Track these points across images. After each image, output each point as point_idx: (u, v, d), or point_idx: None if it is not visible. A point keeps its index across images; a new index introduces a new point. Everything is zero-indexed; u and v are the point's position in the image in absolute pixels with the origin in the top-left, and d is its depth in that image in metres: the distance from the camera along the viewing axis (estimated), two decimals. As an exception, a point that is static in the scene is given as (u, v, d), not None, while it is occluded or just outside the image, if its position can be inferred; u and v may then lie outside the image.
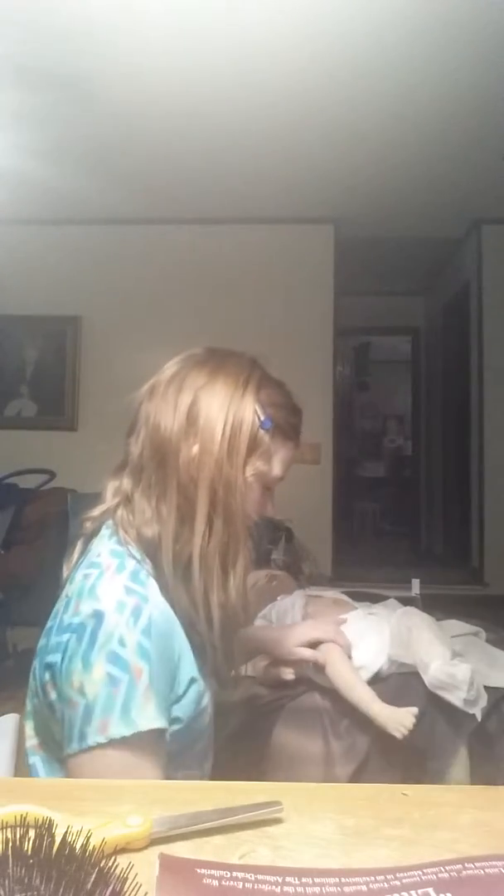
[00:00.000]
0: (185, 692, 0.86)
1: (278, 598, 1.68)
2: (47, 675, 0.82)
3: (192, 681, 0.87)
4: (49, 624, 0.87)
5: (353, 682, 1.20)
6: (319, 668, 1.27)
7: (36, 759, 0.87)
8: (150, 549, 0.88)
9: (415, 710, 1.13)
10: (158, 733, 0.80)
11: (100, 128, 3.44)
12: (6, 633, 3.07)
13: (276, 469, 0.96)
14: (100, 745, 0.76)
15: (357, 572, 4.46)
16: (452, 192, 4.17)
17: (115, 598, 0.81)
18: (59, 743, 0.83)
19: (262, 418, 0.92)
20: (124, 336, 4.50)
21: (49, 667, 0.82)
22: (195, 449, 0.89)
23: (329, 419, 4.64)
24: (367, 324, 6.62)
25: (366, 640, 1.40)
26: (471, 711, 1.27)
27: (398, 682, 1.34)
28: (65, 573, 0.92)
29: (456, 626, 1.59)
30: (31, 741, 0.89)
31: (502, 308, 4.64)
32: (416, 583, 2.39)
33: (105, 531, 0.92)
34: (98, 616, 0.79)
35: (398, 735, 1.03)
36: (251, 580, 2.07)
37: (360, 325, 6.47)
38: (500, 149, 3.49)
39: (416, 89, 3.10)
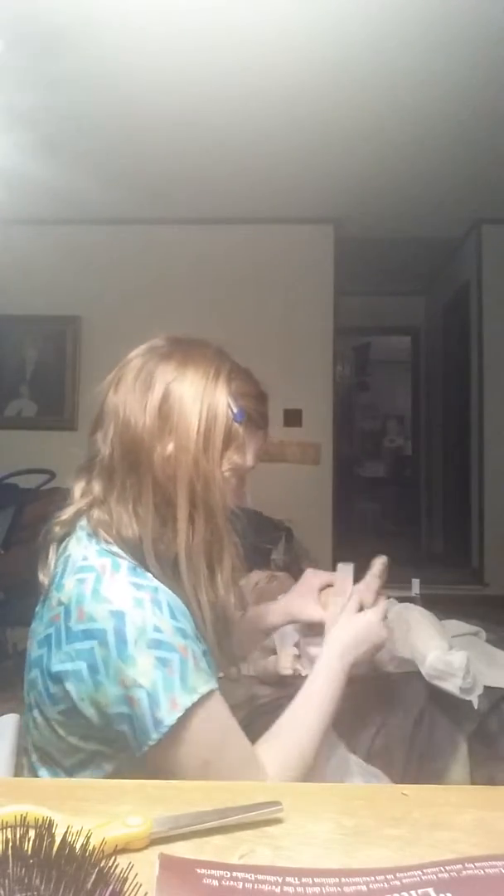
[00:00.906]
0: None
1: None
2: (65, 684, 0.80)
3: (206, 652, 0.88)
4: (45, 633, 0.84)
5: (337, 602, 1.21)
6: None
7: (43, 773, 0.86)
8: (135, 551, 0.86)
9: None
10: (218, 694, 0.83)
11: (100, 128, 3.44)
12: (6, 633, 3.07)
13: (250, 460, 0.95)
14: (179, 721, 0.77)
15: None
16: (452, 192, 4.17)
17: (128, 596, 0.80)
18: (64, 751, 0.82)
19: (235, 411, 0.90)
20: (124, 336, 4.44)
21: (65, 676, 0.80)
22: (170, 447, 0.87)
23: (329, 419, 4.63)
24: (367, 324, 6.62)
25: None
26: (467, 698, 1.27)
27: (399, 682, 1.34)
28: (41, 579, 0.89)
29: (456, 626, 1.59)
30: (33, 756, 0.88)
31: (502, 308, 4.64)
32: (416, 583, 2.38)
33: (80, 533, 0.89)
34: (118, 615, 0.79)
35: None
36: (252, 580, 2.07)
37: (360, 325, 6.47)
38: (500, 149, 3.49)
39: (416, 90, 3.10)
